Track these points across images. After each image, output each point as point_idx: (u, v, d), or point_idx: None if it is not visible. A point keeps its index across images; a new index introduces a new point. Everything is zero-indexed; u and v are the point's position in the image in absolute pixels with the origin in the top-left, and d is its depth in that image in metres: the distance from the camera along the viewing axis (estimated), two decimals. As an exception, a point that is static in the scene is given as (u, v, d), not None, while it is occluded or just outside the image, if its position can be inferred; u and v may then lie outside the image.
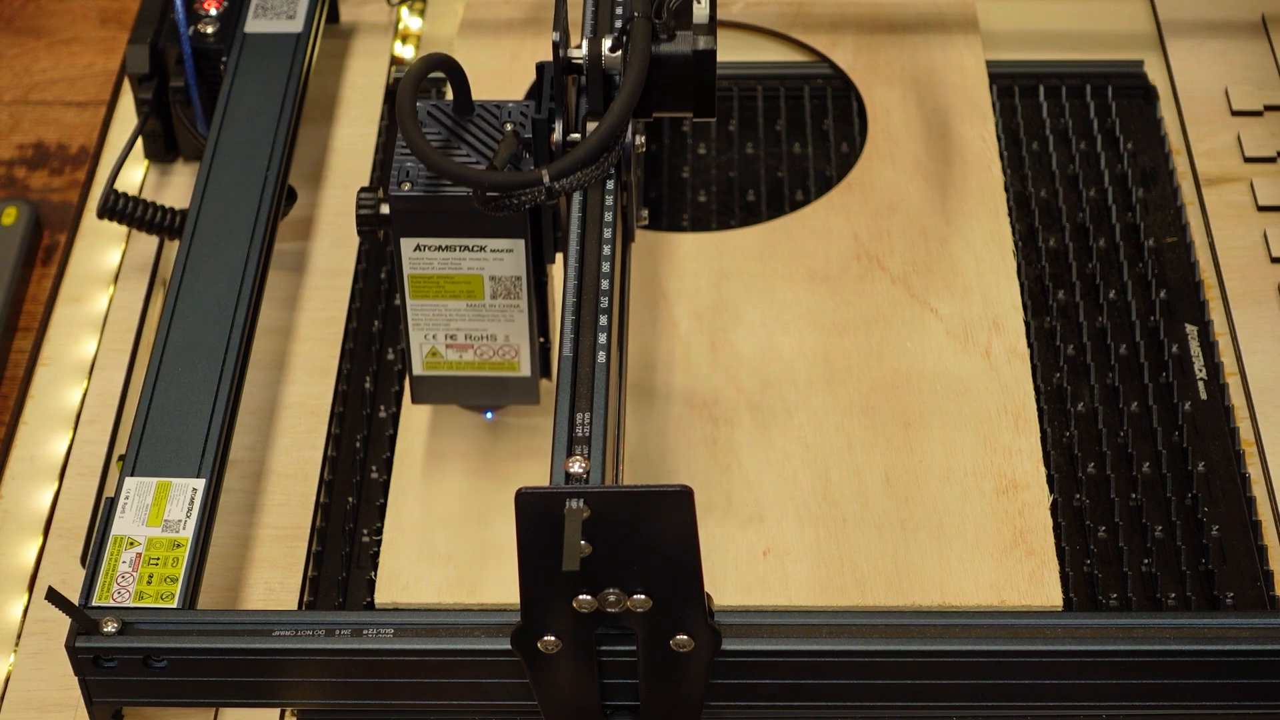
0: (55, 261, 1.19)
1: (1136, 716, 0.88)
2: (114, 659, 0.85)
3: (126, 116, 1.20)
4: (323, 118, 1.19)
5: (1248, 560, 0.95)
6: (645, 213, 1.02)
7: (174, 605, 0.87)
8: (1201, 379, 1.03)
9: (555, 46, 0.90)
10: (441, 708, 0.88)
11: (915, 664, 0.84)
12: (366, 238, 0.92)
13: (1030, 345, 1.05)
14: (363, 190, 0.92)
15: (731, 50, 1.24)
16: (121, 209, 1.08)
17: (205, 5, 1.14)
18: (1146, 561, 0.96)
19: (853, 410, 1.01)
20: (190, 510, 0.90)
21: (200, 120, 1.13)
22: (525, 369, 0.96)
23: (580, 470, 0.80)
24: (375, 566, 0.95)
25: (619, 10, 0.93)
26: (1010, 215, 1.11)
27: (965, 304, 1.06)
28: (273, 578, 0.96)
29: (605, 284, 0.87)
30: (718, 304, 1.06)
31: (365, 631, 0.85)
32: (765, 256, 1.09)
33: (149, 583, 0.88)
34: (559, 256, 0.94)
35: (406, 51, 1.25)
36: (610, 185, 0.90)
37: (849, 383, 1.02)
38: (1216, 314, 1.07)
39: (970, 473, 0.98)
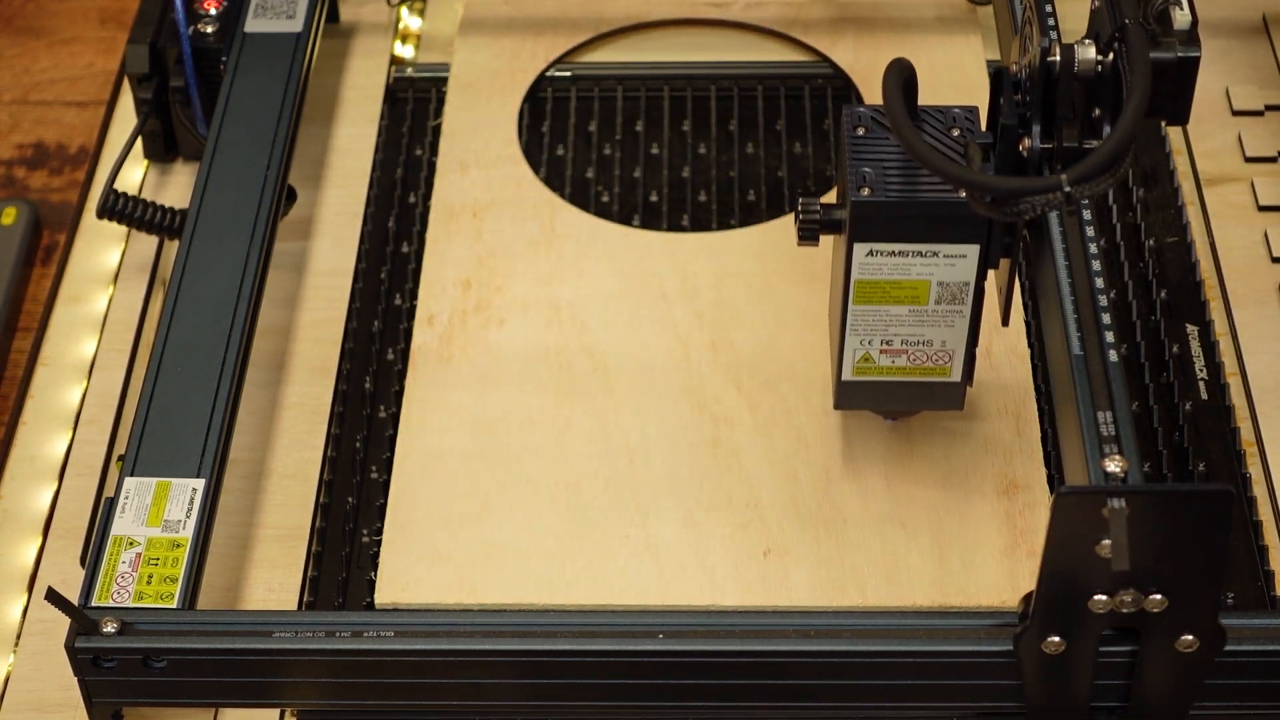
0: (55, 261, 1.18)
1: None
2: (113, 659, 0.85)
3: (126, 116, 1.20)
4: (323, 117, 1.19)
5: (1248, 560, 0.95)
6: None
7: (174, 605, 0.87)
8: (1202, 379, 1.03)
9: (1043, 52, 0.88)
10: (441, 708, 0.88)
11: (915, 664, 0.84)
12: (807, 242, 0.92)
13: (1031, 345, 1.05)
14: (805, 198, 0.92)
15: (731, 50, 1.24)
16: (121, 209, 1.08)
17: (205, 5, 1.14)
18: (1147, 562, 0.96)
19: (853, 410, 1.01)
20: (190, 510, 0.90)
21: (200, 120, 1.13)
22: (956, 374, 0.95)
23: (1118, 469, 0.80)
24: (375, 567, 0.95)
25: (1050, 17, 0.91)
26: (1011, 215, 1.11)
27: (966, 304, 1.06)
28: (272, 578, 0.96)
29: (1100, 281, 0.87)
30: (718, 304, 1.06)
31: (365, 632, 0.85)
32: (765, 256, 1.09)
33: (149, 583, 0.88)
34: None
35: (406, 51, 1.25)
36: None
37: (849, 383, 1.02)
38: (1217, 314, 1.06)
39: (970, 473, 0.98)
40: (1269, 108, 1.17)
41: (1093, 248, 0.90)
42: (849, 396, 0.96)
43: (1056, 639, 0.82)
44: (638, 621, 0.86)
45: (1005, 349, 1.03)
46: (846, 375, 0.95)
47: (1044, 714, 0.85)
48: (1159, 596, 0.80)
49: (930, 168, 0.84)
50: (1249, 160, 1.14)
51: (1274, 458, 0.99)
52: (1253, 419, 1.01)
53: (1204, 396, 1.02)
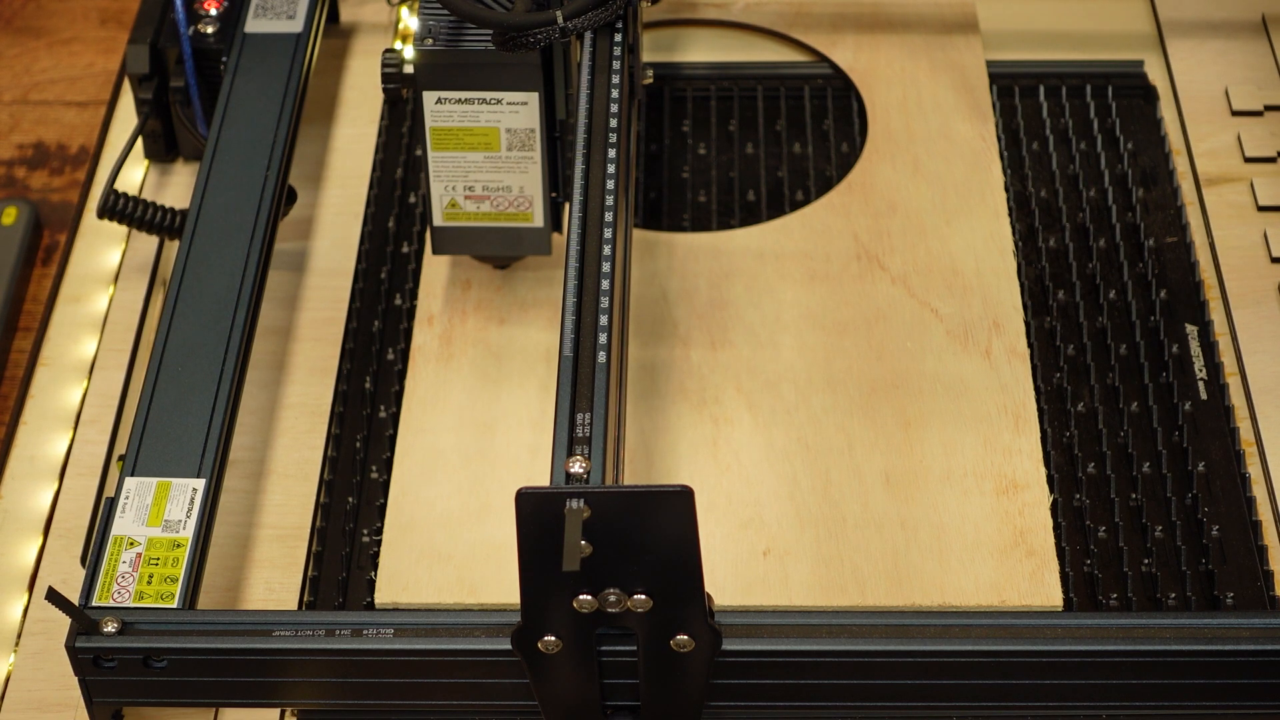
0: (55, 261, 1.19)
1: (1136, 716, 0.88)
2: (114, 659, 0.85)
3: (126, 116, 1.20)
4: (323, 118, 1.19)
5: (1248, 560, 0.95)
6: (650, 72, 1.15)
7: (174, 605, 0.87)
8: (1201, 379, 1.03)
9: None
10: (441, 708, 0.88)
11: (915, 664, 0.84)
12: (391, 95, 0.99)
13: (1030, 345, 1.05)
14: (388, 50, 1.00)
15: (731, 50, 1.24)
16: (121, 209, 1.08)
17: (205, 5, 1.14)
18: (1146, 561, 0.96)
19: (853, 410, 1.01)
20: (190, 510, 0.90)
21: (200, 120, 1.13)
22: (539, 220, 1.02)
23: (580, 470, 0.80)
24: (375, 566, 0.95)
25: None
26: (1010, 215, 1.11)
27: (965, 304, 1.06)
28: (273, 578, 0.96)
29: (606, 284, 0.87)
30: (718, 304, 1.06)
31: (365, 631, 0.85)
32: (765, 256, 1.09)
33: (149, 583, 0.88)
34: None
35: (407, 52, 1.24)
36: (618, 39, 0.97)
37: (849, 383, 1.02)
38: (1216, 314, 1.06)
39: (970, 473, 0.98)
40: (1268, 108, 1.17)
41: (607, 249, 0.89)
42: (444, 242, 1.04)
43: (552, 638, 0.82)
44: (636, 621, 0.86)
45: (1005, 349, 1.03)
46: (437, 221, 1.02)
47: (558, 713, 0.85)
48: (643, 596, 0.80)
49: (447, 6, 0.94)
50: (1248, 160, 1.14)
51: (1273, 458, 0.99)
52: (1252, 419, 1.01)
53: (1203, 396, 1.03)
